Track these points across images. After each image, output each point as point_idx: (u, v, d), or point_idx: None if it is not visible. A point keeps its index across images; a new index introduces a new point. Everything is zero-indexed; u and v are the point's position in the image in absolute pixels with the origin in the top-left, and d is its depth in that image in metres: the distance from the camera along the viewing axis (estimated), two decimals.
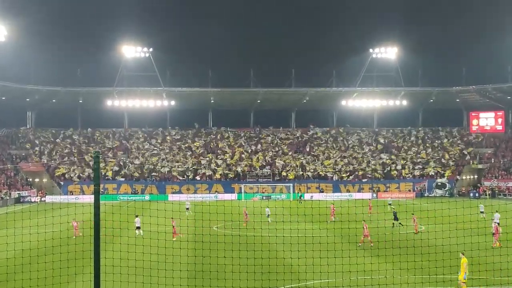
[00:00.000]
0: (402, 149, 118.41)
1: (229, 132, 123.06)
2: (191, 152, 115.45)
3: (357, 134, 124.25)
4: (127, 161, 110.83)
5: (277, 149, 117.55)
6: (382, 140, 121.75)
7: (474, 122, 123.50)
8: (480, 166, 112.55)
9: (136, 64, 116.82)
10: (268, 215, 58.66)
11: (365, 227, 42.24)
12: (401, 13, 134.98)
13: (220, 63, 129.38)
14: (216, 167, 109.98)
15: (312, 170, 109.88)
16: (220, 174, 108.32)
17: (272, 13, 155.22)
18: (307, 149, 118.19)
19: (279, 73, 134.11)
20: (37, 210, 53.26)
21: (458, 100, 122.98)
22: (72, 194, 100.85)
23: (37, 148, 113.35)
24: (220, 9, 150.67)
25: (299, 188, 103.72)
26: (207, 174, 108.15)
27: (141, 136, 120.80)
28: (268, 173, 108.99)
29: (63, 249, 24.82)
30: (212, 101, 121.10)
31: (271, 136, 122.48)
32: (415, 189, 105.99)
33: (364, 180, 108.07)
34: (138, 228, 46.58)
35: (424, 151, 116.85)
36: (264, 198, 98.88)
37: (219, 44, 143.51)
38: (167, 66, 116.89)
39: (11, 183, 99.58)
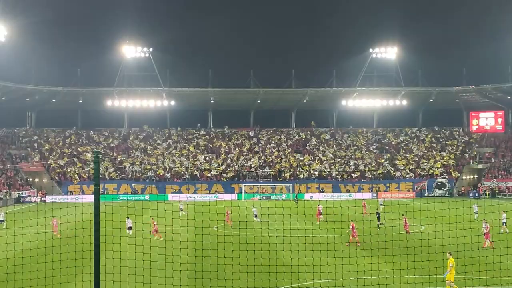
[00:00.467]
0: (402, 149, 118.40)
1: (229, 132, 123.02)
2: (191, 152, 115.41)
3: (357, 134, 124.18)
4: (127, 161, 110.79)
5: (277, 149, 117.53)
6: (382, 140, 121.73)
7: (474, 122, 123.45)
8: (480, 166, 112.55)
9: (136, 64, 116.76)
10: (255, 215, 57.61)
11: (352, 227, 42.31)
12: (401, 13, 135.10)
13: (220, 63, 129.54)
14: (216, 167, 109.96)
15: (312, 170, 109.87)
16: (220, 174, 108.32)
17: (272, 13, 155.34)
18: (307, 149, 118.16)
19: (279, 73, 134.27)
20: (37, 210, 53.31)
21: (458, 100, 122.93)
22: (72, 194, 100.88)
23: (37, 148, 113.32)
24: (220, 9, 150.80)
25: (299, 188, 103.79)
26: (207, 174, 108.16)
27: (141, 136, 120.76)
28: (268, 173, 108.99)
29: (63, 249, 24.83)
30: (212, 101, 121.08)
31: (271, 136, 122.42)
32: (415, 189, 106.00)
33: (364, 180, 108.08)
34: (129, 228, 46.77)
35: (424, 151, 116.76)
36: (264, 198, 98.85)
37: (219, 44, 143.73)
38: (167, 66, 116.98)
39: (11, 183, 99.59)
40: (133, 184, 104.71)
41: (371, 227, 44.23)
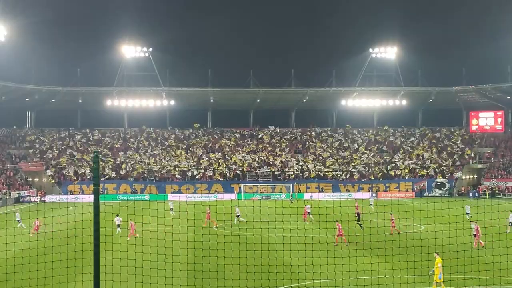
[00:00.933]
0: (402, 148, 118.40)
1: (229, 132, 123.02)
2: (190, 152, 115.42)
3: (357, 133, 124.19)
4: (126, 161, 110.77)
5: (276, 148, 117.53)
6: (381, 140, 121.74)
7: (474, 121, 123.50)
8: (479, 166, 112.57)
9: (135, 64, 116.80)
10: (238, 215, 56.63)
11: (338, 226, 42.32)
12: (401, 13, 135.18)
13: (219, 63, 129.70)
14: (215, 167, 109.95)
15: (311, 170, 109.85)
16: (220, 174, 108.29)
17: (271, 13, 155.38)
18: (307, 149, 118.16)
19: (279, 73, 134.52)
20: (36, 210, 53.28)
21: (457, 99, 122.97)
22: (72, 194, 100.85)
23: (36, 148, 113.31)
24: (219, 9, 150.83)
25: (299, 188, 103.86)
26: (206, 174, 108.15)
27: (140, 136, 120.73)
28: (268, 172, 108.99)
29: (63, 248, 24.82)
30: (212, 100, 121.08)
31: (270, 135, 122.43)
32: (415, 188, 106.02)
33: (363, 180, 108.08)
34: (118, 226, 46.96)
35: (424, 151, 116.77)
36: (263, 197, 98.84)
37: (218, 44, 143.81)
38: (167, 66, 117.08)
39: (10, 183, 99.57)
40: (133, 184, 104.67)
41: (370, 227, 44.21)
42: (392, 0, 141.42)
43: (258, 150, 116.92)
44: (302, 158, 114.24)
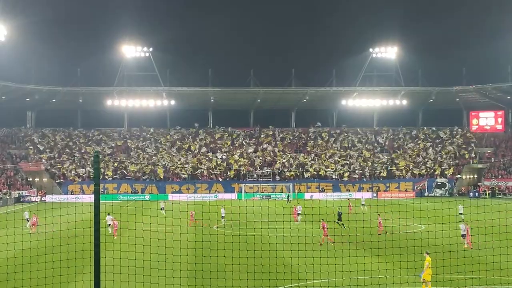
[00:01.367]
0: (402, 148, 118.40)
1: (229, 132, 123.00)
2: (191, 152, 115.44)
3: (357, 133, 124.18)
4: (127, 161, 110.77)
5: (277, 148, 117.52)
6: (382, 140, 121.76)
7: (474, 121, 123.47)
8: (480, 166, 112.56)
9: (136, 63, 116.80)
10: (223, 216, 56.54)
11: (323, 226, 42.33)
12: (401, 13, 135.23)
13: (220, 63, 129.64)
14: (216, 167, 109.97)
15: (312, 170, 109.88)
16: (220, 174, 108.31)
17: (272, 13, 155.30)
18: (307, 149, 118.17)
19: (279, 73, 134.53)
20: (37, 209, 53.28)
21: (458, 99, 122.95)
22: (73, 194, 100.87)
23: (37, 148, 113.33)
24: (220, 8, 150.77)
25: (299, 188, 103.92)
26: (207, 173, 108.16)
27: (141, 136, 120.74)
28: (268, 172, 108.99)
29: (63, 248, 24.81)
30: (212, 100, 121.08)
31: (271, 135, 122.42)
32: (415, 188, 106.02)
33: (364, 180, 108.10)
34: (109, 225, 47.24)
35: (424, 151, 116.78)
36: (264, 197, 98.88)
37: (219, 44, 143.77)
38: (167, 66, 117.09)
39: (11, 183, 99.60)
40: (133, 184, 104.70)
41: (371, 226, 44.18)
42: (393, 0, 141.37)
43: (258, 150, 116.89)
44: (302, 158, 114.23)
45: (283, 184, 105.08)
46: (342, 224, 51.06)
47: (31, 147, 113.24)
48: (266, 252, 34.71)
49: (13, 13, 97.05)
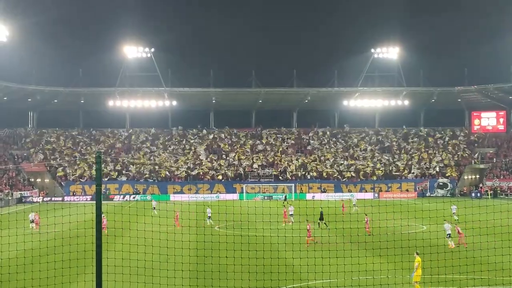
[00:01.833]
0: (404, 149, 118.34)
1: (231, 132, 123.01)
2: (192, 153, 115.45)
3: (359, 134, 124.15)
4: (129, 161, 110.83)
5: (278, 149, 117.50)
6: (383, 140, 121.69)
7: (476, 122, 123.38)
8: (482, 166, 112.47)
9: (138, 64, 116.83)
10: (209, 216, 56.10)
11: (308, 227, 42.70)
12: (403, 13, 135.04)
13: (221, 63, 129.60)
14: (218, 167, 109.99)
15: (313, 170, 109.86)
16: (222, 174, 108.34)
17: (273, 14, 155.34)
18: (309, 149, 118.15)
19: (281, 73, 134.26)
20: (39, 210, 53.35)
21: (459, 100, 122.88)
22: (74, 195, 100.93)
23: (39, 148, 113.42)
24: (221, 9, 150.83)
25: (301, 188, 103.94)
26: (208, 174, 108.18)
27: (142, 136, 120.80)
28: (270, 173, 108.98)
29: (65, 249, 24.85)
30: (214, 101, 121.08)
31: (272, 136, 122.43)
32: (417, 189, 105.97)
33: (365, 180, 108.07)
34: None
35: (426, 151, 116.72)
36: (265, 198, 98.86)
37: (220, 44, 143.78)
38: (169, 66, 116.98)
39: (13, 184, 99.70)
40: (135, 185, 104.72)
41: (372, 227, 44.17)
42: (394, 0, 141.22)
43: (260, 150, 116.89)
44: (304, 158, 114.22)
45: (284, 184, 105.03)
46: (324, 223, 51.72)
47: (33, 148, 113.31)
48: (267, 253, 34.69)
49: (14, 14, 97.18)
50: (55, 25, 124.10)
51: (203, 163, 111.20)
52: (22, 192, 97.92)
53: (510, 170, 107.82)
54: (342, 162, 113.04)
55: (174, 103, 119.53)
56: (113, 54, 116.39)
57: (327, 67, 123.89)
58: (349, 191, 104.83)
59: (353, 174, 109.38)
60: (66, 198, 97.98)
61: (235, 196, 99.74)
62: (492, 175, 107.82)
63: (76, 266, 24.33)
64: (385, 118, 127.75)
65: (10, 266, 24.73)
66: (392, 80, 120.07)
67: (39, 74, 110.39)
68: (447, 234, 41.02)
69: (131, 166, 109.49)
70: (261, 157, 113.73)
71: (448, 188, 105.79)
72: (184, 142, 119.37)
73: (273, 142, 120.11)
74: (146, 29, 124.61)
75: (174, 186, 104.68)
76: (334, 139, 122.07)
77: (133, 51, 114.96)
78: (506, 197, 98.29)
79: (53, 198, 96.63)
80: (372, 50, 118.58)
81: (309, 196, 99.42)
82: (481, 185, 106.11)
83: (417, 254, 27.20)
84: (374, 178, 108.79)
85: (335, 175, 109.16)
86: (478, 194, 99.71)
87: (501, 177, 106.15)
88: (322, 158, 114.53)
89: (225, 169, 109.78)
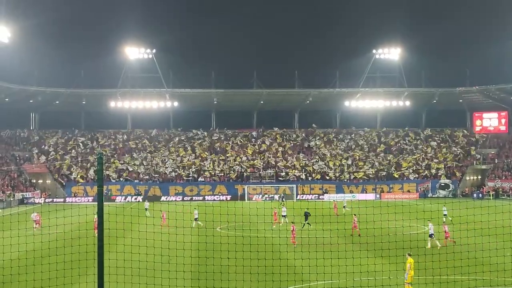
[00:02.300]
0: (406, 149, 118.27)
1: (232, 133, 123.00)
2: (194, 153, 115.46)
3: (360, 134, 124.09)
4: (130, 162, 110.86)
5: (280, 150, 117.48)
6: (385, 141, 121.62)
7: (478, 122, 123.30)
8: (483, 167, 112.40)
9: (139, 65, 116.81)
10: (196, 218, 55.75)
11: (293, 227, 43.33)
12: (405, 14, 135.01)
13: (223, 64, 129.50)
14: (219, 168, 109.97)
15: (315, 171, 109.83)
16: (223, 175, 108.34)
17: (275, 14, 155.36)
18: (310, 150, 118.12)
19: (282, 74, 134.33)
20: (41, 211, 53.42)
21: (461, 100, 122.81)
22: (76, 196, 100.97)
23: (40, 150, 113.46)
24: (223, 10, 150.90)
25: (302, 189, 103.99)
26: (210, 175, 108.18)
27: (144, 137, 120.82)
28: (271, 174, 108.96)
29: (67, 250, 24.87)
30: (215, 102, 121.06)
31: (274, 137, 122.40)
32: (419, 189, 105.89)
33: (367, 181, 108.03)
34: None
35: (428, 152, 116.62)
36: (267, 199, 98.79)
37: (222, 45, 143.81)
38: (170, 67, 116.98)
39: (14, 185, 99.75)
40: (136, 186, 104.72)
41: (374, 228, 44.16)
42: (396, 1, 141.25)
43: (261, 151, 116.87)
44: (305, 159, 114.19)
45: (286, 185, 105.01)
46: (308, 224, 52.14)
47: (34, 149, 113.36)
48: (269, 254, 34.62)
49: (16, 15, 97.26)
50: (56, 26, 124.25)
51: (205, 164, 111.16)
52: (24, 193, 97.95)
53: None
54: (344, 163, 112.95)
55: (176, 104, 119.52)
56: (115, 55, 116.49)
57: (328, 68, 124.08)
58: (351, 192, 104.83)
59: (355, 175, 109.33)
60: (67, 199, 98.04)
61: (236, 197, 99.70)
62: (494, 176, 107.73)
63: (78, 267, 24.35)
64: (386, 119, 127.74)
65: (12, 267, 24.76)
66: (394, 81, 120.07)
67: (41, 75, 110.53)
68: (430, 234, 41.41)
69: (133, 167, 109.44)
70: (262, 158, 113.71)
71: (450, 189, 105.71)
72: (185, 143, 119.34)
73: (275, 143, 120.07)
74: (147, 30, 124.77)
75: (175, 187, 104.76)
76: (335, 140, 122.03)
77: (135, 52, 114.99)
78: (508, 198, 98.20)
79: (54, 199, 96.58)
80: (374, 51, 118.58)
81: (310, 197, 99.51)
82: (483, 186, 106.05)
83: (409, 255, 27.30)
84: (376, 179, 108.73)
85: (337, 176, 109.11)
86: (480, 195, 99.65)
87: (503, 178, 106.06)
88: (324, 159, 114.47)
89: (227, 170, 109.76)
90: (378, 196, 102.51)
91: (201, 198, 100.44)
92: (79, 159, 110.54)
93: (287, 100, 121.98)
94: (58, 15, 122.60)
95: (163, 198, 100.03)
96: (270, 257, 30.94)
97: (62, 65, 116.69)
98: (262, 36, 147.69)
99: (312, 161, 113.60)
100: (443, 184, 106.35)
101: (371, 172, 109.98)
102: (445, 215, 58.28)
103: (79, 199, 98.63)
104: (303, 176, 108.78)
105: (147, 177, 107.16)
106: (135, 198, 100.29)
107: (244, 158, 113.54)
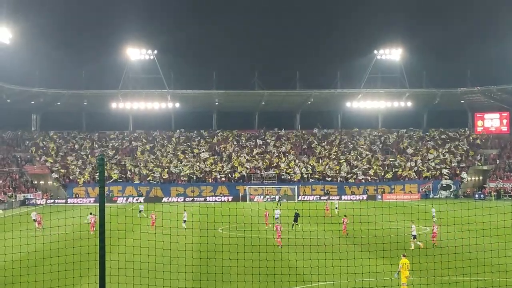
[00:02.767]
0: (407, 150, 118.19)
1: (234, 134, 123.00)
2: (195, 154, 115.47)
3: (362, 135, 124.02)
4: (132, 163, 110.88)
5: (281, 150, 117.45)
6: (387, 142, 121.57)
7: (479, 123, 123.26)
8: (485, 167, 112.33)
9: (140, 66, 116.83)
10: (185, 220, 55.19)
11: (278, 228, 44.00)
12: (406, 15, 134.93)
13: (224, 65, 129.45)
14: (221, 169, 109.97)
15: (316, 172, 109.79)
16: (225, 176, 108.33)
17: (276, 15, 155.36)
18: (312, 151, 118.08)
19: (284, 75, 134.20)
20: (42, 212, 53.44)
21: (463, 101, 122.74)
22: (77, 197, 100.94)
23: (42, 151, 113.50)
24: (224, 11, 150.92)
25: (304, 190, 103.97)
26: (211, 176, 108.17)
27: (145, 138, 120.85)
28: (273, 175, 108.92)
29: (69, 251, 24.88)
30: (217, 103, 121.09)
31: (275, 137, 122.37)
32: (420, 190, 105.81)
33: (369, 182, 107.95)
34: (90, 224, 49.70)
35: (429, 153, 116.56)
36: (269, 200, 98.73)
37: (223, 46, 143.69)
38: (172, 68, 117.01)
39: (16, 186, 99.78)
40: (138, 187, 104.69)
41: (375, 228, 44.13)
42: (397, 2, 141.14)
43: (263, 152, 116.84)
44: (307, 160, 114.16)
45: (288, 186, 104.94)
46: (297, 224, 52.79)
47: (36, 150, 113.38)
48: (271, 255, 34.56)
49: (17, 16, 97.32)
50: (58, 27, 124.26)
51: (206, 165, 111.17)
52: (26, 195, 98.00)
53: None
54: (345, 164, 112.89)
55: (177, 105, 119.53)
56: (116, 56, 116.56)
57: (330, 69, 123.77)
58: (352, 193, 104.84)
59: (356, 176, 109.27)
60: (69, 200, 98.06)
61: (238, 198, 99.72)
62: (496, 176, 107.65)
63: (80, 268, 24.36)
64: (388, 119, 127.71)
65: (14, 269, 24.77)
66: (395, 82, 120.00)
67: (42, 76, 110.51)
68: (412, 236, 41.61)
69: (134, 168, 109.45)
70: (264, 159, 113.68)
71: (451, 190, 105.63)
72: (187, 144, 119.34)
73: (276, 144, 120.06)
74: (149, 31, 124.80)
75: (177, 188, 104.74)
76: (337, 140, 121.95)
77: (136, 53, 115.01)
78: (510, 198, 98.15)
79: (56, 201, 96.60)
80: (375, 52, 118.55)
81: (311, 198, 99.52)
82: (484, 186, 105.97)
83: (404, 256, 27.40)
84: (377, 179, 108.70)
85: (338, 177, 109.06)
86: (482, 196, 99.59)
87: (505, 179, 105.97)
88: (325, 159, 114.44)
89: (228, 171, 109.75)
90: (379, 197, 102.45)
91: (202, 199, 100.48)
92: (80, 160, 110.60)
93: (289, 100, 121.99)
94: (59, 16, 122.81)
95: (164, 199, 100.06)
96: (272, 258, 30.94)
97: (64, 66, 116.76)
98: (263, 37, 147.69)
99: (313, 162, 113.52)
100: (444, 185, 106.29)
101: (372, 173, 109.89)
102: (433, 216, 58.62)
103: (80, 200, 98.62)
104: (305, 177, 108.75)
105: (148, 178, 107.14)
106: (137, 199, 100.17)
107: (245, 159, 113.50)
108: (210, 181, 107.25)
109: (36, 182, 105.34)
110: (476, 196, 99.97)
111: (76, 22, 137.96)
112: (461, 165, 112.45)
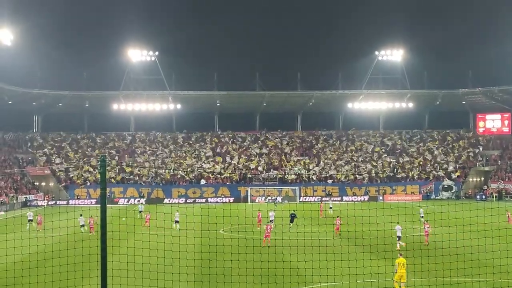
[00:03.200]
0: (408, 151, 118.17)
1: (235, 135, 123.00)
2: (197, 156, 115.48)
3: (363, 136, 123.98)
4: (133, 164, 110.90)
5: (283, 152, 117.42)
6: (388, 143, 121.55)
7: (481, 124, 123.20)
8: (486, 168, 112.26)
9: (142, 67, 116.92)
10: (177, 220, 54.45)
11: (268, 227, 44.31)
12: (407, 15, 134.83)
13: (226, 66, 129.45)
14: (222, 170, 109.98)
15: (318, 173, 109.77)
16: (226, 177, 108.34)
17: (277, 15, 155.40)
18: (313, 152, 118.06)
19: (285, 76, 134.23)
20: (43, 213, 53.46)
21: (464, 102, 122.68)
22: (79, 198, 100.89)
23: (43, 152, 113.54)
24: (224, 11, 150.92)
25: (305, 191, 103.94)
26: (213, 177, 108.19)
27: (147, 139, 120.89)
28: (274, 176, 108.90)
29: (70, 252, 24.88)
30: (218, 104, 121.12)
31: (277, 139, 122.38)
32: (422, 191, 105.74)
33: (370, 183, 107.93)
34: (82, 226, 50.17)
35: (430, 154, 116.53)
36: (270, 201, 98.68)
37: (224, 47, 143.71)
38: (173, 70, 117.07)
39: (18, 187, 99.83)
40: (139, 188, 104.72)
41: (377, 229, 44.06)
42: (398, 3, 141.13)
43: (264, 153, 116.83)
44: (308, 161, 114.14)
45: (289, 187, 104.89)
46: (290, 226, 52.86)
47: (37, 151, 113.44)
48: (272, 256, 34.66)
49: (19, 18, 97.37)
50: (59, 28, 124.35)
51: (208, 166, 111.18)
52: (27, 196, 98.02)
53: None
54: (347, 164, 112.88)
55: (179, 106, 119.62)
56: (118, 57, 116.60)
57: (331, 70, 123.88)
58: (354, 194, 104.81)
59: (358, 177, 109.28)
60: (70, 201, 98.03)
61: (239, 199, 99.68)
62: (497, 177, 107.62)
63: (81, 269, 24.36)
64: (389, 120, 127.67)
65: (15, 270, 24.77)
66: (396, 83, 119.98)
67: (44, 78, 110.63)
68: (397, 237, 41.77)
69: (136, 169, 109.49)
70: (265, 160, 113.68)
71: (453, 191, 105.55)
72: (188, 145, 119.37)
73: (278, 145, 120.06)
74: (150, 32, 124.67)
75: (178, 189, 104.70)
76: (338, 141, 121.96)
77: (137, 55, 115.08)
78: (511, 199, 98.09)
79: (57, 202, 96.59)
80: (376, 53, 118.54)
81: (312, 199, 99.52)
82: (486, 187, 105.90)
83: (401, 255, 27.45)
84: (379, 180, 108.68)
85: (340, 178, 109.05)
86: (483, 197, 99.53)
87: (506, 180, 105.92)
88: (327, 161, 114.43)
89: (229, 172, 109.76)
90: (381, 198, 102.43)
91: (204, 200, 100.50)
92: (82, 161, 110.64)
93: (290, 102, 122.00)
94: (60, 18, 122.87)
95: (166, 201, 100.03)
96: (273, 259, 30.98)
97: (65, 67, 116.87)
98: (264, 38, 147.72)
99: (314, 163, 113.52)
100: (446, 186, 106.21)
101: (374, 174, 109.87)
102: (421, 217, 59.02)
103: (82, 202, 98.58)
104: (306, 178, 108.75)
105: (150, 179, 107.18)
106: (138, 201, 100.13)
107: (247, 160, 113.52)
108: (212, 182, 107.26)
109: (37, 183, 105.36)
110: (478, 197, 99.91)
111: (77, 24, 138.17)
112: (462, 166, 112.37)
